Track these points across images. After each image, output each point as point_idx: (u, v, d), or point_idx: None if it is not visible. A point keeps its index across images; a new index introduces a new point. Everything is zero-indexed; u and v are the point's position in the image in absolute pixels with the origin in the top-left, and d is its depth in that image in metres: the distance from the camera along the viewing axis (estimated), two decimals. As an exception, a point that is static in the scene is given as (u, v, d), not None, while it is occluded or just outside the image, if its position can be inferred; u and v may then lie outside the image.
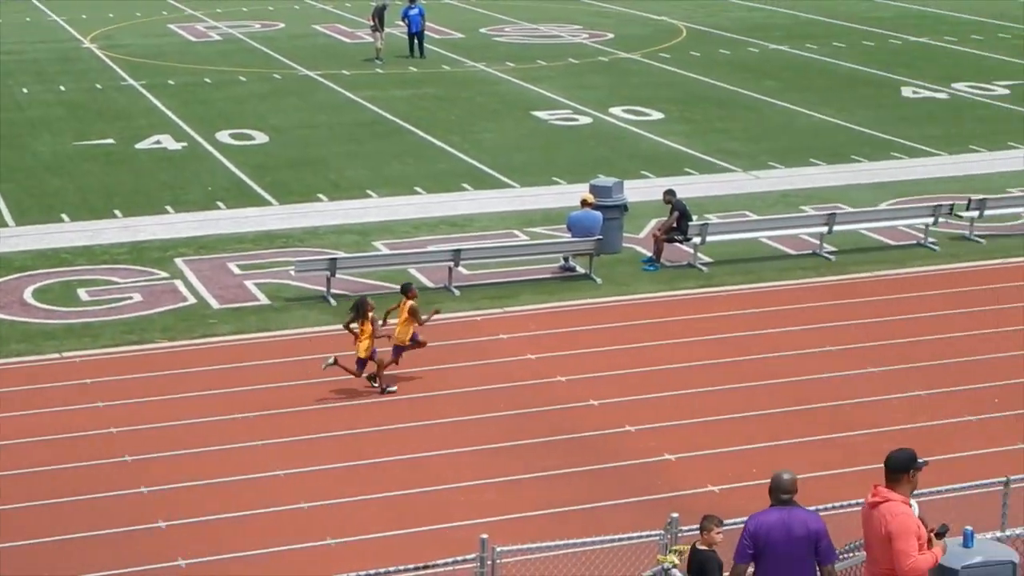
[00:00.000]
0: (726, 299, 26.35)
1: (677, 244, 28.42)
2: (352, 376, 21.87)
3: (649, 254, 28.39)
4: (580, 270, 27.70)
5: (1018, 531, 12.88)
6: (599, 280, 27.24)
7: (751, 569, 12.19)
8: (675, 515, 13.90)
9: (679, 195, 28.71)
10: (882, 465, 12.16)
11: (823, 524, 11.89)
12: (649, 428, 20.62)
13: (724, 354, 23.46)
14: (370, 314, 21.78)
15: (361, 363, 21.80)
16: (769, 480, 12.54)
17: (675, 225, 28.23)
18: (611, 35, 55.82)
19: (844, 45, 52.98)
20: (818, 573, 12.01)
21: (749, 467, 18.98)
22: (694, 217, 28.87)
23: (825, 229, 28.99)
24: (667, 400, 21.69)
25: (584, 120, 40.95)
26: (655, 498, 18.33)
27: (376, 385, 21.94)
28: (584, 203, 28.08)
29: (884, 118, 40.80)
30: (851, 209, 30.82)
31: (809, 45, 52.89)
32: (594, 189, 28.85)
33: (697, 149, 37.28)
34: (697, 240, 28.19)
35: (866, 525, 11.53)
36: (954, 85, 45.42)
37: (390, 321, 22.40)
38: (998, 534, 13.15)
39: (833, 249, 28.90)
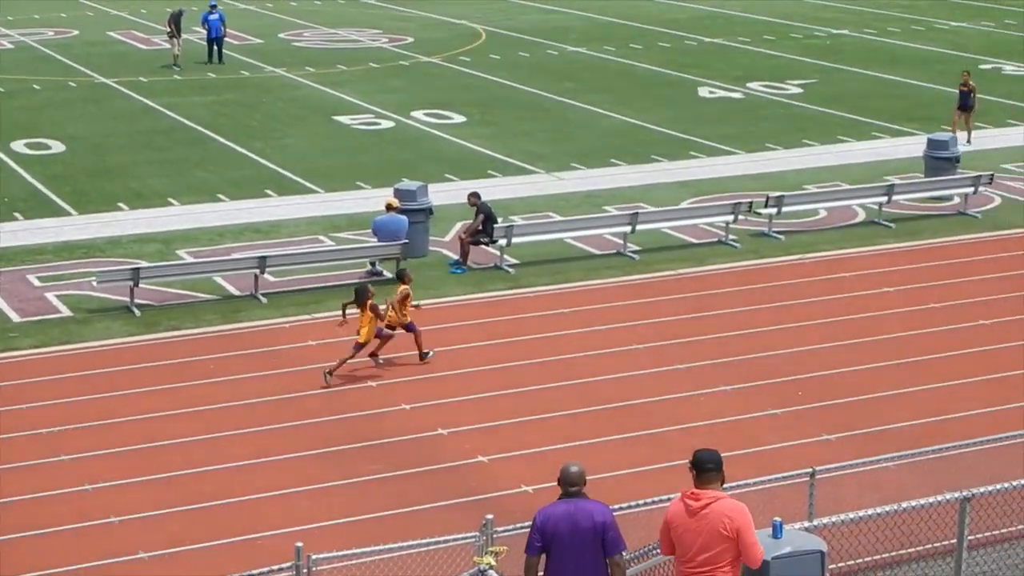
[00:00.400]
0: (534, 300, 26.53)
1: (483, 246, 28.55)
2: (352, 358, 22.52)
3: (456, 257, 28.47)
4: (387, 274, 27.65)
5: (825, 521, 13.15)
6: (407, 284, 27.22)
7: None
8: (490, 516, 13.95)
9: (484, 198, 28.85)
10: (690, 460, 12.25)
11: (610, 516, 11.97)
12: (462, 431, 20.67)
13: (533, 355, 23.62)
14: (369, 301, 22.36)
15: (359, 346, 22.41)
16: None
17: (481, 227, 28.35)
18: (411, 39, 55.84)
19: (641, 47, 53.68)
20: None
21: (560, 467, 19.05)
22: (499, 219, 29.02)
23: (628, 228, 29.36)
24: (479, 402, 21.77)
25: (387, 124, 40.91)
26: (470, 500, 18.38)
27: (377, 363, 22.87)
28: (389, 207, 28.05)
29: (682, 118, 41.44)
30: (653, 208, 31.24)
31: (607, 47, 53.48)
32: (399, 193, 28.84)
33: (500, 151, 37.48)
34: (503, 242, 28.34)
35: (693, 529, 11.49)
36: (749, 85, 46.29)
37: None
38: (806, 524, 13.41)
39: (637, 248, 29.27)
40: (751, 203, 30.43)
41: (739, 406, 21.52)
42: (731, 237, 29.90)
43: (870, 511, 13.18)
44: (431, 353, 23.26)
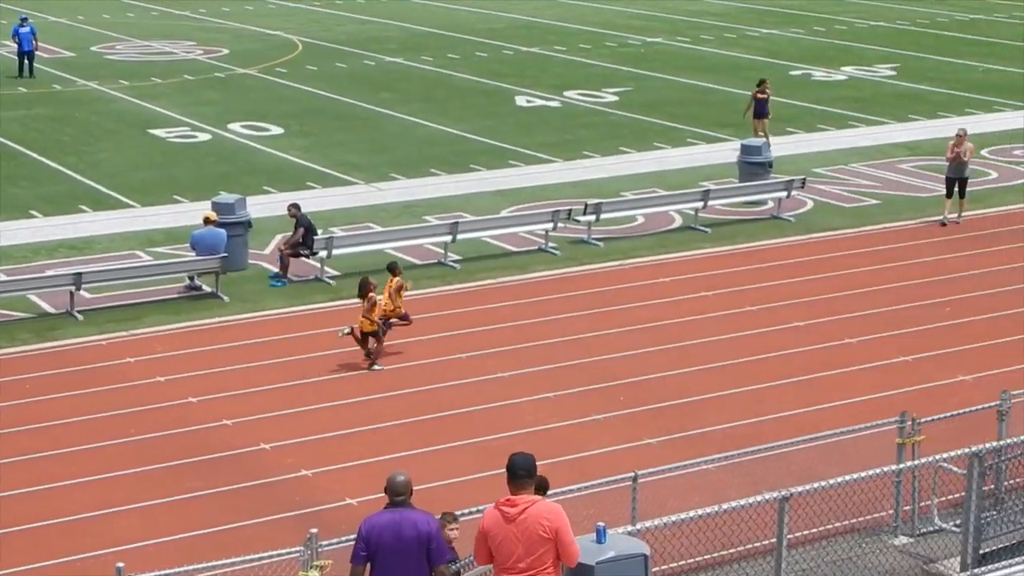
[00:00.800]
0: (356, 311, 26.39)
1: (304, 258, 28.38)
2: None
3: (276, 270, 28.26)
4: (206, 289, 27.36)
5: (648, 524, 13.29)
6: (226, 298, 26.97)
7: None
8: (314, 531, 13.86)
9: (303, 209, 28.69)
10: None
11: (435, 526, 12.01)
12: (285, 445, 20.52)
13: (355, 366, 23.53)
14: (371, 294, 23.34)
15: (372, 334, 23.56)
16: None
17: (301, 240, 28.18)
18: (226, 50, 55.33)
19: (458, 56, 53.83)
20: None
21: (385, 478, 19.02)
22: (319, 231, 28.88)
23: (449, 238, 29.40)
24: (301, 416, 21.63)
25: (203, 137, 40.48)
26: (294, 514, 18.25)
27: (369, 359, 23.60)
28: (207, 221, 27.77)
29: (500, 127, 41.64)
30: (473, 217, 31.34)
31: (424, 57, 53.53)
32: (216, 206, 28.56)
33: (318, 163, 37.30)
34: (323, 254, 28.20)
35: (513, 535, 11.53)
36: (566, 93, 46.66)
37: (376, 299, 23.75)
38: (629, 528, 13.54)
39: (458, 257, 29.33)
40: (570, 211, 30.69)
41: (563, 412, 21.65)
42: (551, 245, 30.11)
43: (692, 513, 13.34)
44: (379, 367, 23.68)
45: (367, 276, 24.29)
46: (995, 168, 36.83)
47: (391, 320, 24.06)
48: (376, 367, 23.49)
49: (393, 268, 24.64)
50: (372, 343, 23.69)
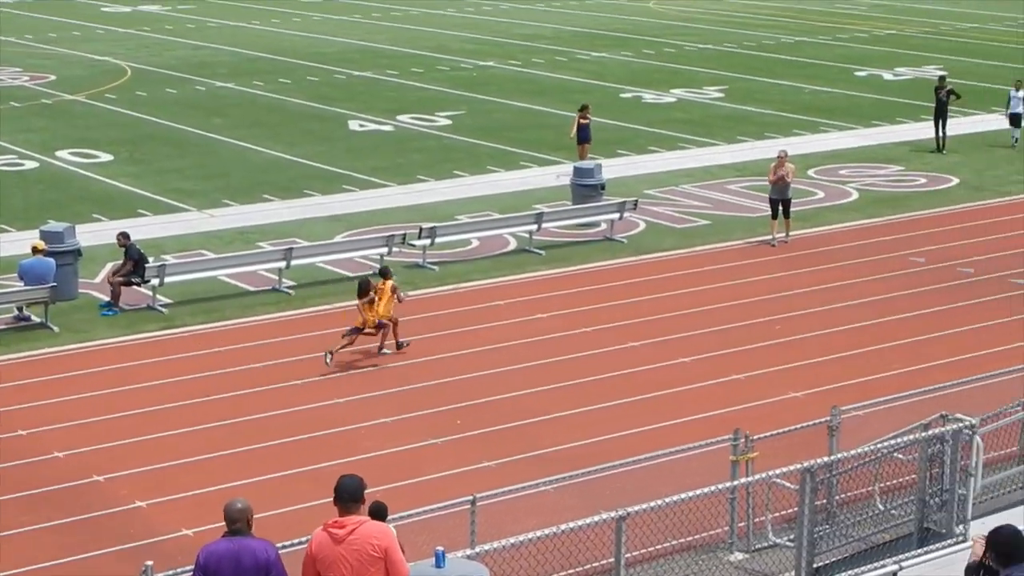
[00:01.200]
0: (189, 340, 26.15)
1: (135, 287, 28.00)
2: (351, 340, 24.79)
3: (107, 299, 27.85)
4: (35, 319, 26.87)
5: (487, 547, 13.31)
6: (56, 328, 26.51)
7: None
8: (150, 563, 13.64)
9: (134, 237, 28.33)
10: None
11: (274, 554, 11.89)
12: (118, 476, 20.21)
13: (190, 395, 23.27)
14: (372, 294, 24.88)
15: (356, 330, 24.89)
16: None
17: (132, 268, 27.82)
18: (53, 77, 54.47)
19: (290, 81, 53.58)
20: None
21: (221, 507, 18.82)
22: (151, 258, 28.53)
23: (283, 264, 29.21)
24: (135, 446, 21.31)
25: (30, 164, 39.80)
26: (130, 547, 17.98)
27: (385, 352, 25.15)
28: (35, 250, 27.29)
29: (334, 152, 41.52)
30: (307, 243, 31.18)
31: (256, 82, 53.20)
32: (45, 235, 28.08)
33: (149, 189, 36.86)
34: (155, 281, 27.86)
35: (341, 557, 11.47)
36: (399, 117, 46.68)
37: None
38: (468, 552, 13.55)
39: (292, 283, 29.16)
40: (404, 235, 30.68)
41: (400, 437, 21.61)
42: (386, 269, 30.03)
43: (530, 535, 13.38)
44: (407, 343, 25.39)
45: (366, 277, 26.05)
46: (821, 188, 37.54)
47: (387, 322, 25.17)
48: (385, 351, 25.18)
49: (386, 273, 25.74)
50: (381, 337, 25.14)
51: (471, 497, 15.42)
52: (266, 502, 18.35)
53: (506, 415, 22.43)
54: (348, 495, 11.53)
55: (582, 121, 38.80)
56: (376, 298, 24.94)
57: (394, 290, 25.31)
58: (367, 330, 24.92)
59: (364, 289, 25.07)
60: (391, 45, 63.08)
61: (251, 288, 29.01)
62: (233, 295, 28.65)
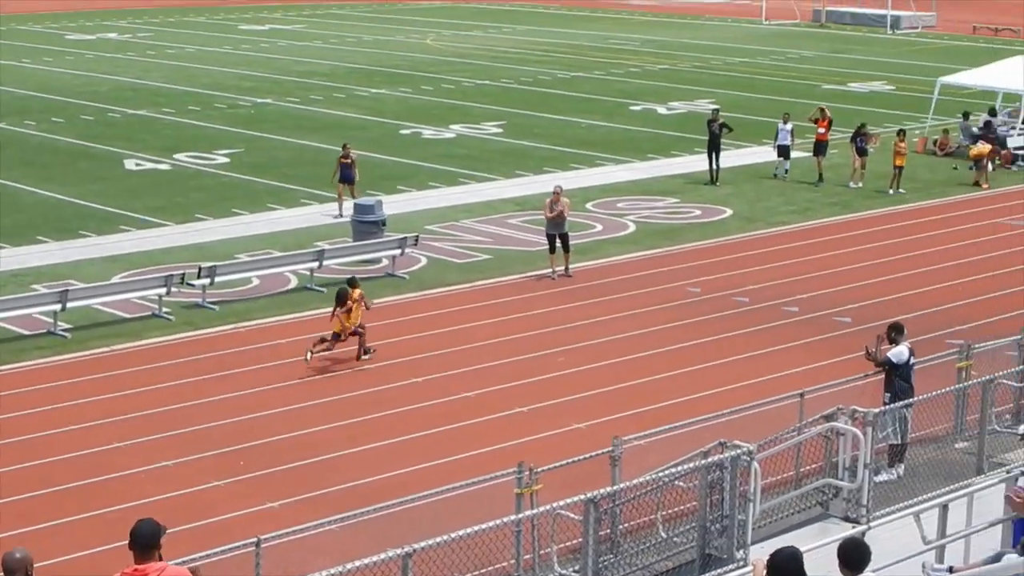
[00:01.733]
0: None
1: (-97, 333, 27.21)
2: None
3: None
4: None
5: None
6: None
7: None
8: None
9: (-98, 282, 27.54)
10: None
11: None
12: None
13: (-37, 443, 22.66)
14: (349, 302, 26.52)
15: (335, 336, 26.50)
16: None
17: (-100, 314, 27.02)
18: None
19: (63, 120, 52.60)
20: None
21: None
22: (-80, 304, 27.77)
23: (59, 307, 28.58)
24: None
25: None
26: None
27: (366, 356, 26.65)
28: None
29: (110, 191, 40.83)
30: (84, 285, 30.57)
31: (27, 121, 52.11)
32: None
33: (-83, 233, 35.87)
34: (-75, 328, 27.11)
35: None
36: (176, 156, 46.11)
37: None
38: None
39: (68, 326, 28.57)
40: (183, 275, 30.31)
41: (183, 480, 21.32)
42: (164, 310, 29.63)
43: (316, 575, 13.29)
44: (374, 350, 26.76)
45: (347, 287, 27.09)
46: (599, 220, 38.06)
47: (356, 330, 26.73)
48: (367, 356, 26.67)
49: (354, 283, 27.41)
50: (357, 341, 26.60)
51: (255, 539, 15.25)
52: (51, 549, 17.95)
53: (288, 455, 22.27)
54: (144, 540, 11.36)
55: (344, 160, 38.16)
56: (352, 307, 26.52)
57: (361, 297, 26.93)
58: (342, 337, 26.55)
59: (343, 299, 26.65)
60: (167, 83, 62.35)
61: (25, 332, 28.35)
62: (5, 340, 27.94)
